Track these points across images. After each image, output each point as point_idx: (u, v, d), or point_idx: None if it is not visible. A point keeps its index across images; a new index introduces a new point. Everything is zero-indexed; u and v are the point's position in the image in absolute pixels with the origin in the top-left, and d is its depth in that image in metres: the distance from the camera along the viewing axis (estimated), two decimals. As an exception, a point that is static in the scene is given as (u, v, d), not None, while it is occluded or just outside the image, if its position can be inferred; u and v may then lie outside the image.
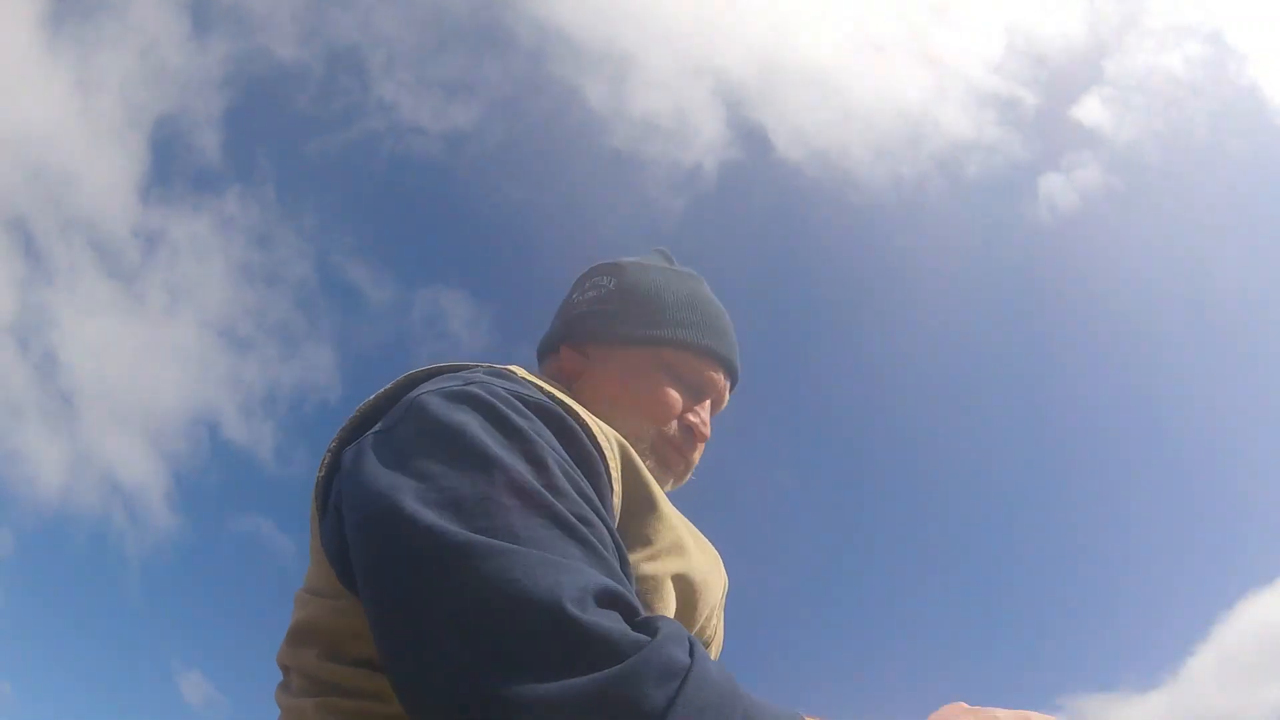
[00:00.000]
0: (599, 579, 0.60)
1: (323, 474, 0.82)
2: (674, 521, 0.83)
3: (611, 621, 0.57)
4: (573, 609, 0.56)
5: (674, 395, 1.00)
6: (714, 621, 0.90)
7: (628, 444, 0.84)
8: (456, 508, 0.63)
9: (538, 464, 0.69)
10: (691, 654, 0.56)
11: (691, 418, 1.01)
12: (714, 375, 1.04)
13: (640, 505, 0.81)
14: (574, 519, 0.65)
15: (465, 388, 0.75)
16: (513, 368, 0.90)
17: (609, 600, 0.59)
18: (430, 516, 0.62)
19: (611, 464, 0.79)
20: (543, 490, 0.66)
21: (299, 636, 0.80)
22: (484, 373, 0.83)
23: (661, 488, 0.87)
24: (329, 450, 0.83)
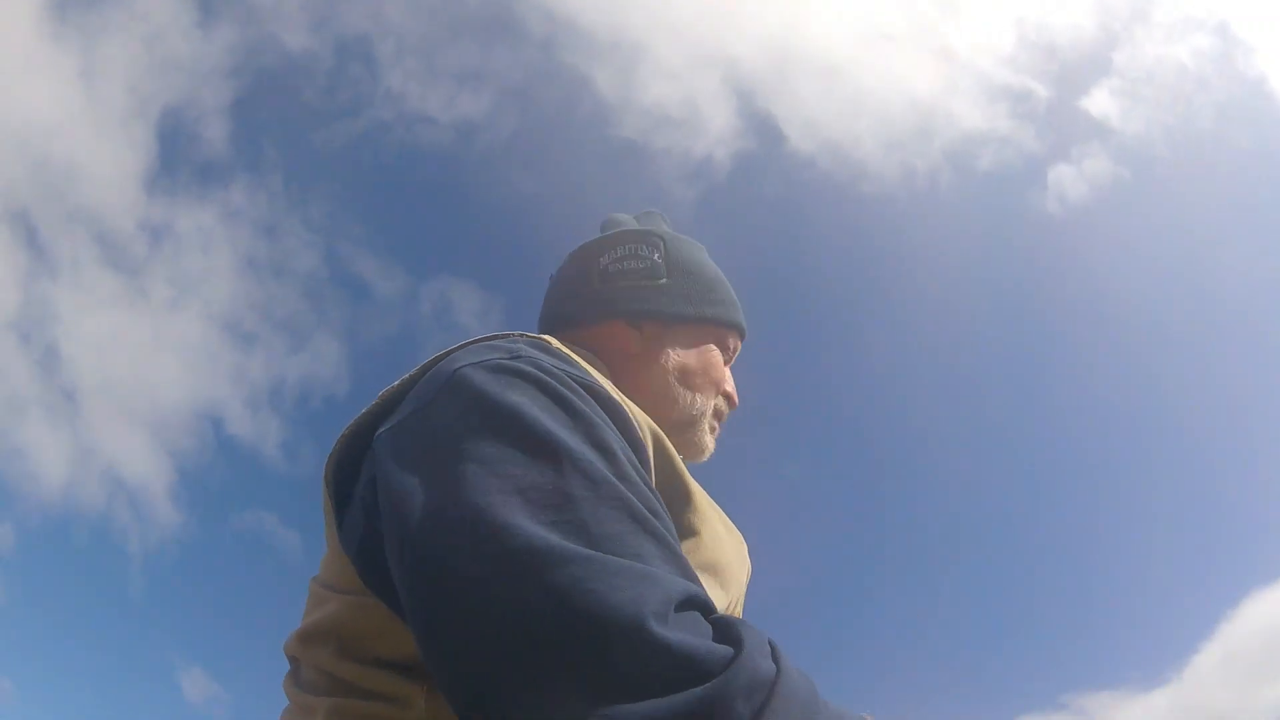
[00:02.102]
0: (680, 584, 0.56)
1: (335, 459, 0.75)
2: (707, 511, 0.81)
3: (696, 636, 0.53)
4: (655, 626, 0.51)
5: (727, 372, 1.04)
6: (737, 611, 0.88)
7: (660, 430, 0.79)
8: (524, 500, 0.57)
9: (605, 450, 0.63)
10: (776, 661, 0.53)
11: (729, 388, 1.05)
12: (738, 347, 1.08)
13: (676, 495, 0.77)
14: (647, 512, 0.60)
15: (512, 362, 0.69)
16: (547, 338, 0.83)
17: (689, 604, 0.55)
18: (497, 511, 0.56)
19: (649, 452, 0.74)
20: (614, 480, 0.61)
21: (314, 632, 0.74)
22: (526, 343, 0.76)
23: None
24: (343, 436, 0.75)
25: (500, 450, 0.61)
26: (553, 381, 0.67)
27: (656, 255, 1.04)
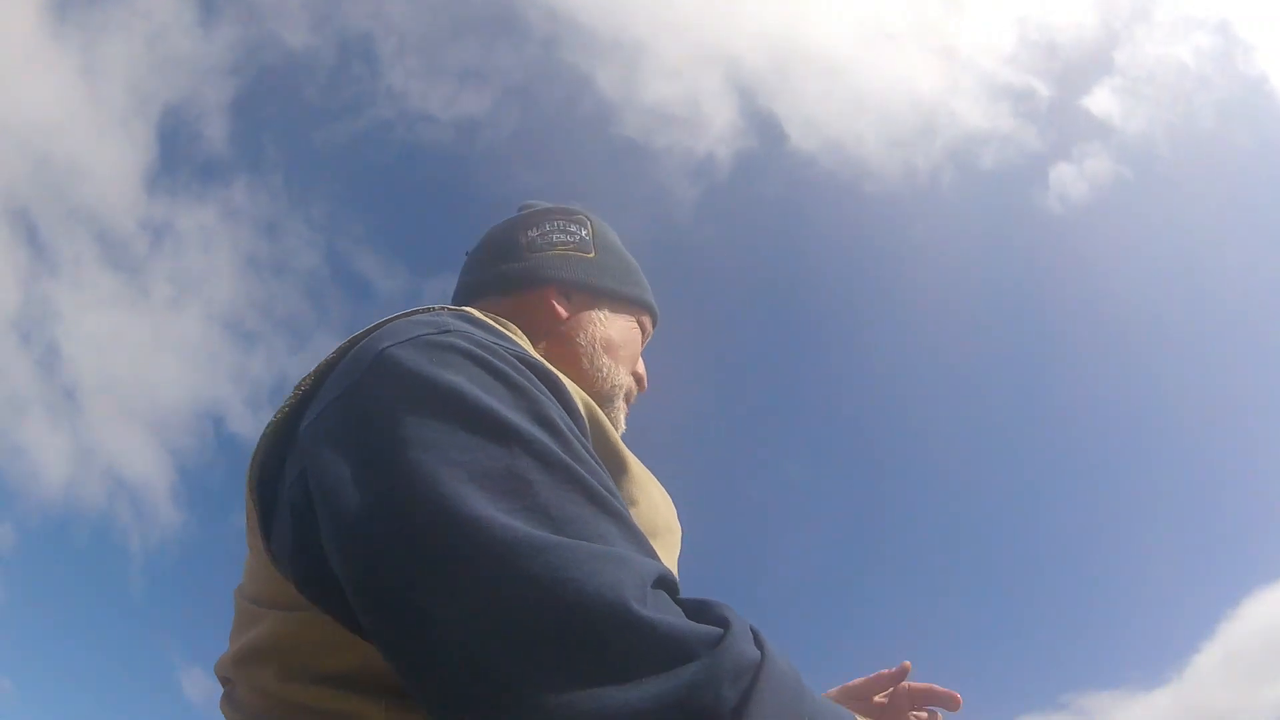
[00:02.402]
0: (649, 564, 0.54)
1: (259, 461, 0.69)
2: (644, 478, 0.79)
3: (676, 616, 0.52)
4: (638, 609, 0.50)
5: (638, 350, 1.08)
6: (675, 574, 0.86)
7: (591, 400, 0.77)
8: (480, 488, 0.54)
9: (550, 427, 0.60)
10: (760, 646, 0.52)
11: (641, 370, 1.07)
12: (651, 333, 1.11)
13: (614, 465, 0.75)
14: (602, 490, 0.58)
15: (441, 336, 0.65)
16: (469, 309, 0.79)
17: (660, 584, 0.54)
18: (456, 501, 0.53)
19: (586, 424, 0.71)
20: (566, 459, 0.58)
21: (249, 655, 0.67)
22: (450, 316, 0.72)
23: None
24: (263, 435, 0.69)
25: (443, 433, 0.57)
26: (488, 356, 0.63)
27: (584, 231, 1.05)
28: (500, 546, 0.51)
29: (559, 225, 1.05)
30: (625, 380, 1.02)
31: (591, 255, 1.04)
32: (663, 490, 0.84)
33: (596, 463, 0.62)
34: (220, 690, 0.74)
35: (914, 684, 1.10)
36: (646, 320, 1.09)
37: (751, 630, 0.53)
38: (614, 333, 1.02)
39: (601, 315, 1.01)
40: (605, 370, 1.00)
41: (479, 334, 0.68)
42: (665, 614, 0.51)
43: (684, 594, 0.56)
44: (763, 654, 0.51)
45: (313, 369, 0.71)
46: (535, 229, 1.05)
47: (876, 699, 1.09)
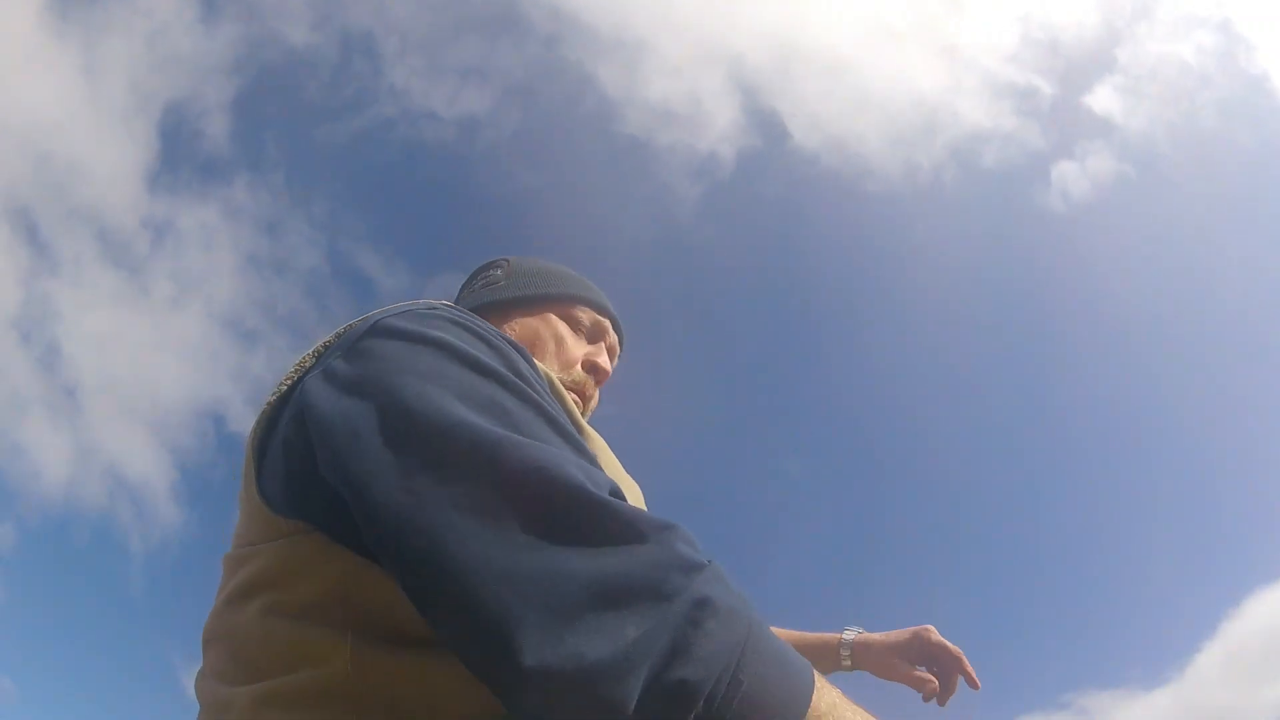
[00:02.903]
0: (606, 477, 0.64)
1: (260, 424, 0.76)
2: (604, 447, 0.86)
3: (634, 507, 0.60)
4: (598, 492, 0.59)
5: (573, 337, 1.13)
6: None
7: (555, 379, 0.86)
8: (465, 402, 0.64)
9: (522, 376, 0.71)
10: (706, 556, 0.60)
11: (597, 359, 1.13)
12: (601, 320, 1.17)
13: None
14: (567, 427, 0.68)
15: (428, 310, 0.76)
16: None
17: (615, 495, 0.62)
18: (448, 408, 0.62)
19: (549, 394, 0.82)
20: (537, 398, 0.68)
21: (239, 591, 0.72)
22: (441, 303, 0.83)
23: None
24: (266, 404, 0.77)
25: (435, 365, 0.67)
26: (470, 322, 0.75)
27: (499, 271, 1.19)
28: (484, 441, 0.61)
29: (484, 277, 1.19)
30: (550, 370, 1.07)
31: (502, 284, 1.16)
32: (626, 475, 0.90)
33: (561, 414, 0.71)
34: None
35: (936, 635, 1.20)
36: (576, 309, 1.14)
37: (695, 542, 0.62)
38: (522, 333, 1.10)
39: (511, 325, 1.11)
40: None
41: (458, 313, 0.78)
42: (620, 502, 0.60)
43: None
44: (710, 560, 0.60)
45: (293, 367, 0.79)
46: (467, 290, 1.21)
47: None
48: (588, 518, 0.58)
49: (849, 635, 1.30)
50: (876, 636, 1.26)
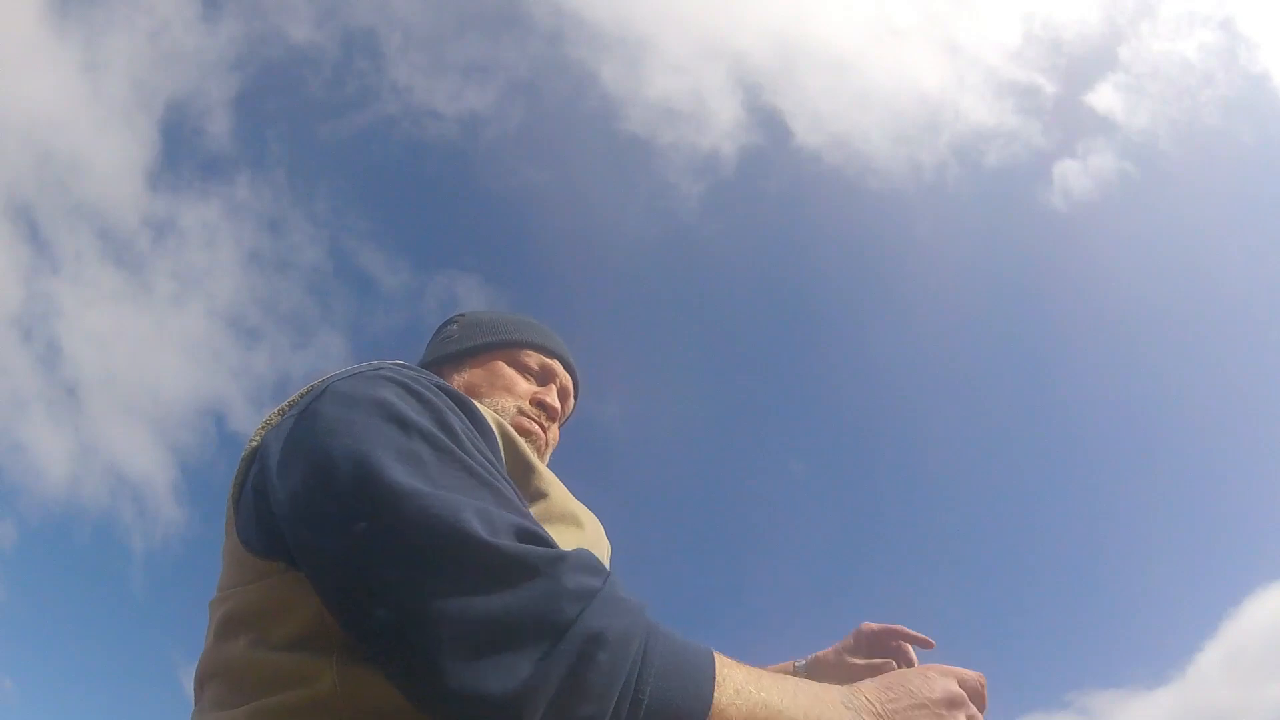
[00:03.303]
0: (510, 517, 0.71)
1: (236, 481, 0.86)
2: (556, 484, 0.96)
3: (527, 545, 0.68)
4: (487, 535, 0.66)
5: (521, 380, 1.23)
6: None
7: (505, 423, 0.96)
8: (385, 452, 0.72)
9: (447, 428, 0.79)
10: (603, 577, 0.68)
11: (545, 397, 1.22)
12: (549, 362, 1.27)
13: (522, 469, 0.93)
14: (481, 470, 0.76)
15: (375, 371, 0.85)
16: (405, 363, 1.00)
17: (524, 535, 0.70)
18: (366, 457, 0.71)
19: (498, 439, 0.91)
20: (453, 447, 0.77)
21: (226, 630, 0.80)
22: (387, 363, 0.92)
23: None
24: (241, 460, 0.87)
25: (367, 425, 0.76)
26: (408, 380, 0.84)
27: (454, 326, 1.31)
28: (392, 492, 0.69)
29: (442, 333, 1.32)
30: (504, 410, 1.18)
31: (455, 338, 1.28)
32: (585, 510, 0.99)
33: (485, 456, 0.81)
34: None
35: (871, 624, 1.23)
36: (522, 355, 1.25)
37: (600, 566, 0.70)
38: (474, 378, 1.22)
39: (460, 376, 1.23)
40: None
41: (407, 370, 0.87)
42: (515, 544, 0.67)
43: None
44: (605, 582, 0.67)
45: (262, 424, 0.89)
46: (429, 344, 1.32)
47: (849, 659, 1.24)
48: (476, 562, 0.65)
49: (801, 661, 1.34)
50: (825, 651, 1.30)
